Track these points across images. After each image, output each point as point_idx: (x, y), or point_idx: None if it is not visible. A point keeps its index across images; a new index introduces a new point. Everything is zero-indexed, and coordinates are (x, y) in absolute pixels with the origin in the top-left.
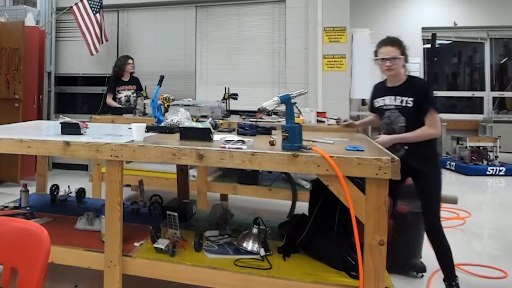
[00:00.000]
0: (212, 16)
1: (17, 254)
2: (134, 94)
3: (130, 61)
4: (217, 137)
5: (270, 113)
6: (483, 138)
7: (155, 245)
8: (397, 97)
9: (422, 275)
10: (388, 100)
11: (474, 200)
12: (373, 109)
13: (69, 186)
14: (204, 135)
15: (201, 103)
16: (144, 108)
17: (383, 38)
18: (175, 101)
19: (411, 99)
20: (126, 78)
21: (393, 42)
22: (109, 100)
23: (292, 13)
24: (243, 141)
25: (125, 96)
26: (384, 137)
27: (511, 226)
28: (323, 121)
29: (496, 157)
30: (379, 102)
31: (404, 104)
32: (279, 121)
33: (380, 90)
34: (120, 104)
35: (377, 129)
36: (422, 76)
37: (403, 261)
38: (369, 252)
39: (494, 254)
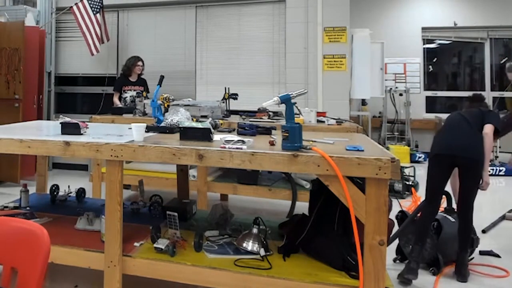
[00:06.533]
0: (212, 16)
1: (17, 254)
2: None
3: (139, 62)
4: (217, 137)
5: (272, 115)
6: None
7: (155, 245)
8: None
9: (434, 271)
10: None
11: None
12: None
13: (69, 186)
14: (204, 135)
15: (201, 103)
16: (144, 108)
17: None
18: (175, 101)
19: None
20: (133, 78)
21: None
22: (115, 99)
23: (292, 13)
24: (243, 141)
25: (130, 96)
26: None
27: None
28: (323, 121)
29: (496, 157)
30: None
31: None
32: (278, 119)
33: None
34: (125, 104)
35: (377, 129)
36: (421, 76)
37: None
38: (369, 252)
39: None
